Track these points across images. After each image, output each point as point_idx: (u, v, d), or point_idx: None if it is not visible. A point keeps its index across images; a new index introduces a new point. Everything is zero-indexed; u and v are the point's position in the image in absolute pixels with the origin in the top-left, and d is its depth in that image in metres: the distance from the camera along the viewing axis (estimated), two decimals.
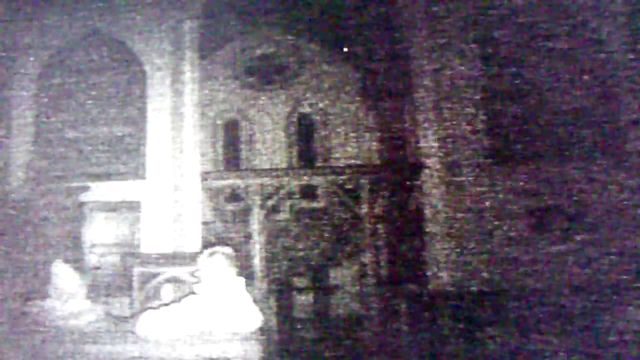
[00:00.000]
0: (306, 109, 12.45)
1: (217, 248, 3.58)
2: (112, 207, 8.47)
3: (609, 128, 8.36)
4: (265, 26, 12.04)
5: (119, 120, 8.78)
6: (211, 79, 11.81)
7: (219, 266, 3.46)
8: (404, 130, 9.62)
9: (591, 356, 6.13)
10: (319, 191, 10.40)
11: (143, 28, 8.75)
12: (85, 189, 8.24)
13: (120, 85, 8.82)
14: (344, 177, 9.30)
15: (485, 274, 8.06)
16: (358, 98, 12.27)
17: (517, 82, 8.61)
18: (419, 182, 8.65)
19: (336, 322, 10.03)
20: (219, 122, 12.37)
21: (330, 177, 9.36)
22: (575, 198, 8.21)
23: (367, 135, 12.05)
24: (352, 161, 11.85)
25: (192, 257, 3.68)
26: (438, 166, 8.50)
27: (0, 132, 8.50)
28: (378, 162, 11.59)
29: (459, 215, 8.31)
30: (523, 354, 6.59)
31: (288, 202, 9.67)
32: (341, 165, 11.52)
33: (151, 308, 3.68)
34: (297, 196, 9.98)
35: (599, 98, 8.45)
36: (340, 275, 10.42)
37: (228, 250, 3.58)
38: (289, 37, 12.34)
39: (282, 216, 9.80)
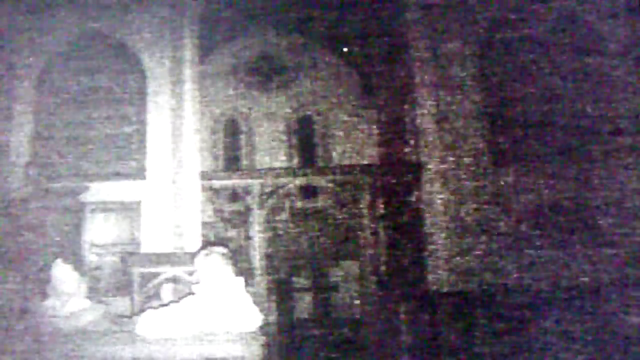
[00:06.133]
0: (306, 109, 12.45)
1: (213, 248, 3.57)
2: (112, 207, 8.46)
3: (608, 128, 8.36)
4: (265, 26, 12.04)
5: (119, 120, 8.78)
6: (211, 79, 11.81)
7: (215, 266, 3.46)
8: (404, 130, 9.62)
9: (591, 356, 6.13)
10: (319, 191, 10.41)
11: (143, 28, 8.75)
12: (85, 189, 8.23)
13: (120, 85, 8.82)
14: (344, 177, 9.30)
15: (485, 274, 8.06)
16: (358, 98, 12.27)
17: (517, 82, 8.61)
18: (419, 182, 8.65)
19: (336, 322, 10.03)
20: (219, 122, 12.38)
21: (330, 177, 9.35)
22: (575, 198, 8.21)
23: (367, 135, 12.05)
24: (352, 161, 11.85)
25: (192, 257, 3.68)
26: (438, 166, 8.50)
27: (0, 132, 8.50)
28: (378, 162, 11.59)
29: (459, 215, 8.31)
30: (523, 354, 6.59)
31: (288, 202, 9.67)
32: (341, 165, 11.53)
33: (151, 308, 3.67)
34: (297, 196, 9.98)
35: (599, 98, 8.45)
36: (340, 275, 10.42)
37: (224, 250, 3.57)
38: (289, 37, 12.34)
39: (282, 216, 9.79)
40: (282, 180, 9.26)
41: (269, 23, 11.85)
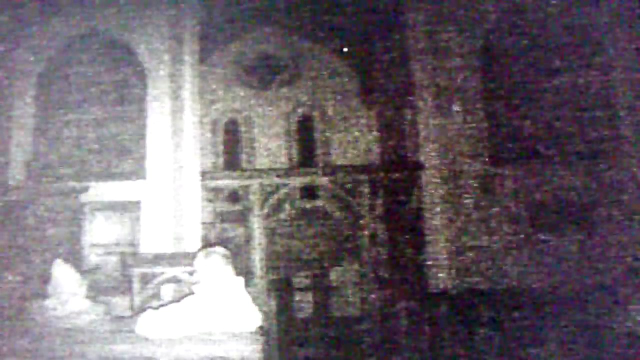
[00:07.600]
0: (306, 109, 12.45)
1: (213, 248, 3.57)
2: (112, 207, 8.47)
3: (608, 128, 8.37)
4: (265, 26, 12.04)
5: (119, 120, 8.78)
6: (211, 79, 11.81)
7: (215, 267, 3.46)
8: (404, 130, 9.62)
9: (591, 356, 6.13)
10: (319, 191, 10.41)
11: (143, 28, 8.75)
12: (85, 189, 8.24)
13: (120, 85, 8.82)
14: (344, 177, 9.30)
15: (485, 274, 8.06)
16: (358, 98, 12.27)
17: (517, 82, 8.62)
18: (419, 182, 8.65)
19: (336, 322, 10.02)
20: (219, 122, 12.38)
21: (330, 177, 9.36)
22: (575, 198, 8.21)
23: (367, 135, 12.05)
24: (352, 161, 11.85)
25: (192, 257, 3.68)
26: (438, 166, 8.50)
27: (1, 132, 8.50)
28: (378, 162, 11.59)
29: (459, 215, 8.31)
30: (523, 355, 6.59)
31: (288, 202, 9.66)
32: (341, 165, 11.53)
33: (151, 308, 3.67)
34: (297, 196, 9.98)
35: (598, 98, 8.46)
36: (340, 275, 10.41)
37: (224, 250, 3.58)
38: (289, 37, 12.34)
39: (282, 216, 9.79)
40: (282, 180, 9.26)
41: (269, 23, 11.85)
